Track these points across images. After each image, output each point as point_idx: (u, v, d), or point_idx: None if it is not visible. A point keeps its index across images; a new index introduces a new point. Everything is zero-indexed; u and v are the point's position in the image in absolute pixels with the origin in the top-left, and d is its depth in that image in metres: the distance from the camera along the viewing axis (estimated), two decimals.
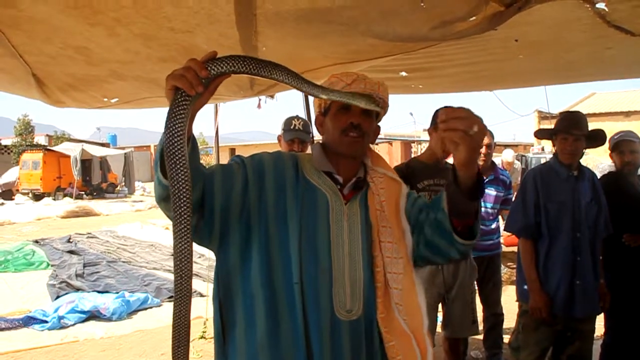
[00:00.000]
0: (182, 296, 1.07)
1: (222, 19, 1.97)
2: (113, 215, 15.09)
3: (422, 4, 1.82)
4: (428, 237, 1.32)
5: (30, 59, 2.45)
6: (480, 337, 3.69)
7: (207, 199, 1.22)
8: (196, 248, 1.15)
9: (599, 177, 2.90)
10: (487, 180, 3.55)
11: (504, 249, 4.38)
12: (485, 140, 3.47)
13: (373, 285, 1.30)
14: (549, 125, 3.41)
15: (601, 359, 3.10)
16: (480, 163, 3.46)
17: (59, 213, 14.66)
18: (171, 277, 5.42)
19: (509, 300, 3.61)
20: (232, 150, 30.55)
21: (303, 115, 4.00)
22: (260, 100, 4.20)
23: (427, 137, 3.04)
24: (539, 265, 2.65)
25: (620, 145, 3.08)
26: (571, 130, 2.60)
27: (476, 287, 3.34)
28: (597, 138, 2.69)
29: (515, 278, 2.99)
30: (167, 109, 1.05)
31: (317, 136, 1.61)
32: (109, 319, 4.97)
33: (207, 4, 1.85)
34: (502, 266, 4.44)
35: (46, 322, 4.76)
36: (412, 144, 24.00)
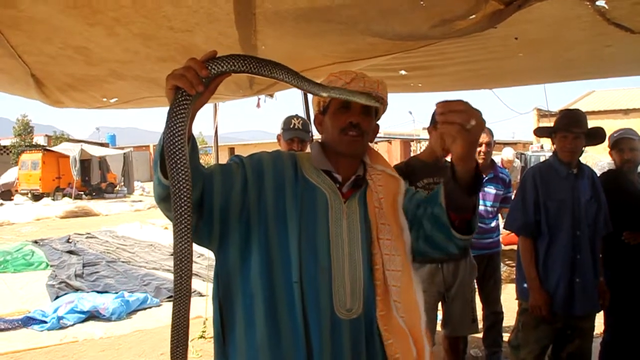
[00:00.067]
0: (181, 296, 1.07)
1: (222, 18, 1.96)
2: (112, 215, 15.07)
3: (421, 3, 1.82)
4: (427, 232, 1.31)
5: (29, 59, 2.44)
6: (480, 335, 3.68)
7: (207, 199, 1.21)
8: (196, 248, 1.14)
9: (598, 174, 2.90)
10: (486, 178, 3.55)
11: (504, 247, 4.38)
12: (485, 139, 3.47)
13: (372, 283, 1.30)
14: (549, 123, 3.40)
15: (601, 356, 3.10)
16: (480, 161, 3.46)
17: (58, 213, 14.65)
18: (170, 277, 5.41)
19: (509, 299, 3.60)
20: (232, 149, 30.52)
21: (302, 114, 3.99)
22: (259, 99, 4.20)
23: (427, 136, 3.04)
24: (539, 263, 2.65)
25: (620, 143, 3.08)
26: (571, 128, 2.60)
27: (476, 286, 3.35)
28: (596, 136, 2.69)
29: (514, 276, 2.99)
30: (166, 109, 1.05)
31: (317, 135, 1.60)
32: (109, 319, 4.96)
33: (206, 3, 1.85)
34: (502, 264, 4.44)
35: (45, 322, 4.75)
36: (412, 143, 24.04)
